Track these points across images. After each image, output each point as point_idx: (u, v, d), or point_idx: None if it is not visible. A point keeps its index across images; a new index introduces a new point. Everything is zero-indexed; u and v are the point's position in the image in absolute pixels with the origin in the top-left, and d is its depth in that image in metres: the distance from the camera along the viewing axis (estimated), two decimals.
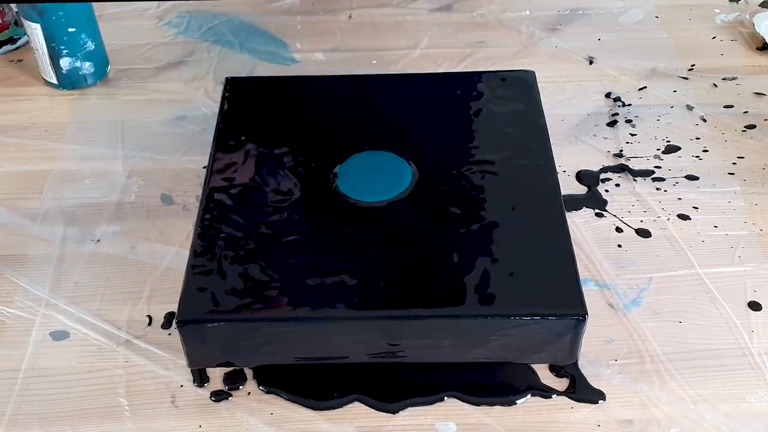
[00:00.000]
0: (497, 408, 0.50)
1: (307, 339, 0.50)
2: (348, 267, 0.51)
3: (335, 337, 0.50)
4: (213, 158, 0.58)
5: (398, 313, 0.49)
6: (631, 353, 0.53)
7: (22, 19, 0.72)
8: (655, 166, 0.66)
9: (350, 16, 0.84)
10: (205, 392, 0.52)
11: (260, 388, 0.52)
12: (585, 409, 0.50)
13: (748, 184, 0.64)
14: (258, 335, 0.50)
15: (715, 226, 0.61)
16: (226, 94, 0.64)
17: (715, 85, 0.74)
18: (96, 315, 0.56)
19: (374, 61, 0.78)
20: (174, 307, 0.50)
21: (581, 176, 0.65)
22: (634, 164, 0.66)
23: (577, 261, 0.51)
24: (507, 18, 0.83)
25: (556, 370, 0.52)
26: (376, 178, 0.57)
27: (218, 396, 0.51)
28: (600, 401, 0.51)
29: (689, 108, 0.71)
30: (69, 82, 0.74)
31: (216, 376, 0.52)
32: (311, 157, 0.58)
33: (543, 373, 0.52)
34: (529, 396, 0.51)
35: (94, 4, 0.75)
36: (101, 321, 0.56)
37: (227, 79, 0.65)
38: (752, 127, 0.69)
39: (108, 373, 0.53)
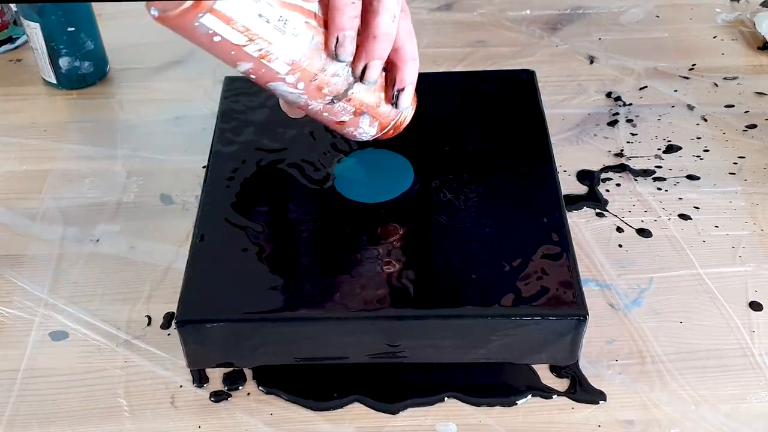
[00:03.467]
0: (498, 408, 0.50)
1: (306, 339, 0.50)
2: (347, 267, 0.51)
3: (335, 337, 0.50)
4: (212, 157, 0.58)
5: (398, 313, 0.49)
6: (632, 353, 0.53)
7: (21, 18, 0.72)
8: (656, 166, 0.66)
9: None
10: (204, 393, 0.52)
11: (260, 388, 0.52)
12: (586, 409, 0.50)
13: (749, 183, 0.64)
14: (258, 335, 0.50)
15: (716, 226, 0.61)
16: (226, 94, 0.63)
17: (716, 85, 0.74)
18: (95, 315, 0.56)
19: None
20: (173, 308, 0.50)
21: (582, 176, 0.65)
22: (634, 164, 0.66)
23: (577, 261, 0.51)
24: (507, 18, 0.83)
25: (557, 371, 0.52)
26: (376, 178, 0.57)
27: (218, 396, 0.51)
28: (601, 402, 0.50)
29: (690, 107, 0.71)
30: (68, 81, 0.74)
31: (215, 376, 0.52)
32: (311, 156, 0.58)
33: (543, 374, 0.52)
34: (529, 396, 0.51)
35: (94, 4, 0.74)
36: (100, 321, 0.56)
37: (227, 78, 0.65)
38: (753, 126, 0.69)
39: (107, 374, 0.53)
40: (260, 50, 0.43)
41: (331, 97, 0.47)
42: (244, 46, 0.43)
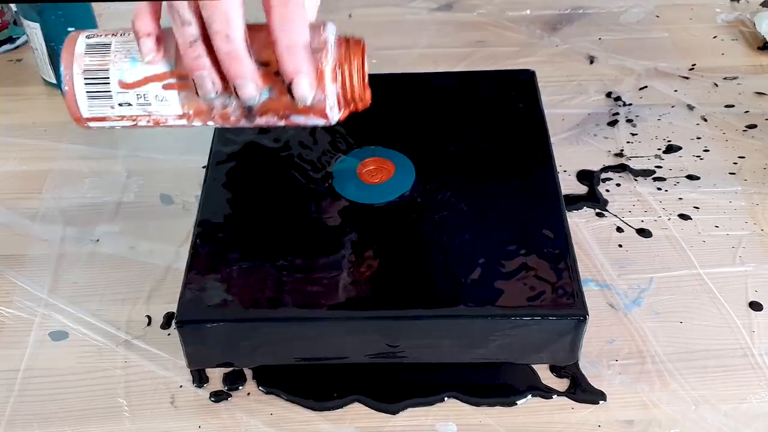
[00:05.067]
0: (498, 408, 0.50)
1: (306, 339, 0.50)
2: (347, 267, 0.51)
3: (335, 337, 0.50)
4: (212, 157, 0.58)
5: (398, 313, 0.49)
6: (632, 353, 0.53)
7: (21, 18, 0.72)
8: (656, 166, 0.66)
9: (350, 16, 0.83)
10: (204, 393, 0.52)
11: (260, 388, 0.52)
12: (585, 409, 0.50)
13: (749, 183, 0.64)
14: (257, 335, 0.50)
15: (716, 226, 0.61)
16: None
17: (716, 85, 0.74)
18: (95, 315, 0.56)
19: (374, 61, 0.77)
20: (173, 308, 0.50)
21: (582, 176, 0.65)
22: (634, 164, 0.66)
23: (577, 261, 0.51)
24: (507, 18, 0.83)
25: (557, 371, 0.52)
26: None
27: (218, 396, 0.51)
28: (601, 402, 0.50)
29: (690, 108, 0.71)
30: None
31: (215, 376, 0.52)
32: (310, 156, 0.58)
33: (543, 374, 0.52)
34: (529, 396, 0.51)
35: (94, 4, 0.74)
36: (100, 321, 0.56)
37: None
38: (753, 126, 0.69)
39: (107, 374, 0.53)
40: (149, 121, 0.47)
41: (243, 119, 0.48)
42: (136, 124, 0.48)
